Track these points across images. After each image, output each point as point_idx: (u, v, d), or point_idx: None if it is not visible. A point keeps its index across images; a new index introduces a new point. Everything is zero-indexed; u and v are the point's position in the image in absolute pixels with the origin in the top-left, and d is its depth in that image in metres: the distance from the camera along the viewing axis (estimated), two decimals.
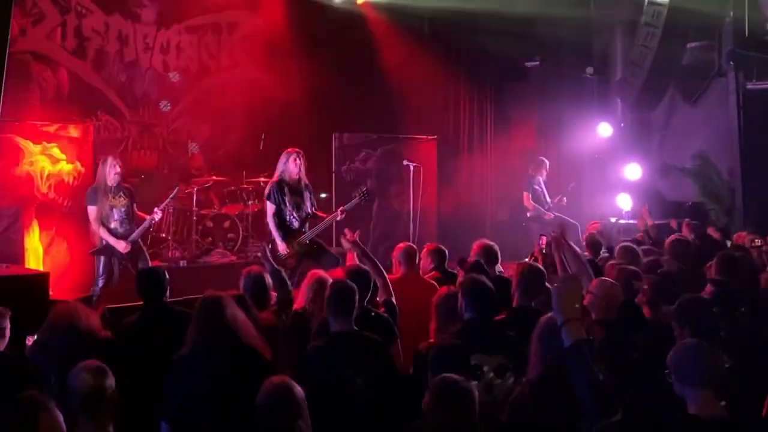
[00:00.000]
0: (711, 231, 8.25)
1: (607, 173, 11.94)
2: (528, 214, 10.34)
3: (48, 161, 8.77)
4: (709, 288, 5.30)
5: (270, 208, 7.20)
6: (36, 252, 8.60)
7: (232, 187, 10.09)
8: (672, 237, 7.14)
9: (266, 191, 7.37)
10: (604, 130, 11.94)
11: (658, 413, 3.41)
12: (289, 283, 5.24)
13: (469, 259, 5.67)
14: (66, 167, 8.76)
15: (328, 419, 3.71)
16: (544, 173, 10.52)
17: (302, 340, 4.50)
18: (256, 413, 3.34)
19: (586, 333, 3.25)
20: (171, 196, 7.66)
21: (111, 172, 7.13)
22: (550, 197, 10.42)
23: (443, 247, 6.18)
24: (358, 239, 5.61)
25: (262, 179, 9.63)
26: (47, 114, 9.04)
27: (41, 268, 8.00)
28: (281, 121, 10.24)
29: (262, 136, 10.25)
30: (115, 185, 7.20)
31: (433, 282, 5.60)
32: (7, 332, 4.49)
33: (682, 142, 11.46)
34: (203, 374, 3.79)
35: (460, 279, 4.85)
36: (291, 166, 7.22)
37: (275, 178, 7.31)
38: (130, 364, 4.05)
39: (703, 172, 11.08)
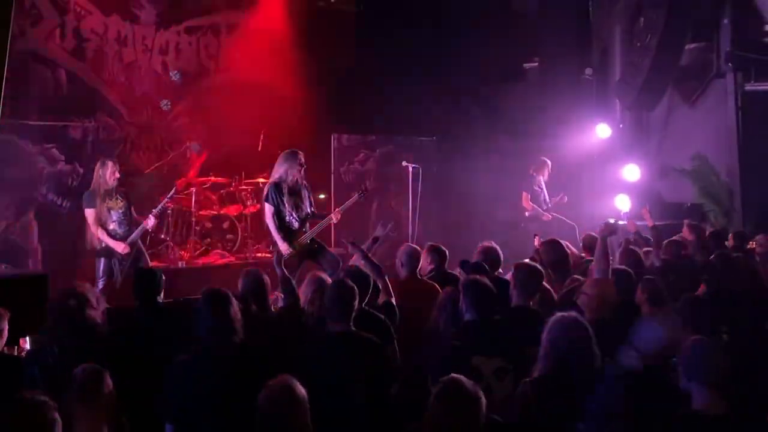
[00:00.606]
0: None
1: (605, 174, 11.92)
2: (526, 214, 10.29)
3: (47, 162, 8.79)
4: (706, 288, 5.31)
5: (268, 209, 7.16)
6: (36, 252, 8.61)
7: (231, 188, 10.09)
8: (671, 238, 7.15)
9: (264, 192, 7.36)
10: (603, 131, 11.91)
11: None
12: (297, 291, 5.19)
13: (471, 261, 5.67)
14: (65, 168, 8.78)
15: (328, 419, 3.70)
16: (546, 174, 10.48)
17: (294, 332, 4.49)
18: (257, 413, 3.34)
19: None
20: (168, 197, 7.64)
21: (110, 175, 7.11)
22: (549, 198, 10.40)
23: (443, 247, 6.16)
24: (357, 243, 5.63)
25: (261, 180, 9.63)
26: (46, 115, 9.04)
27: (41, 269, 8.01)
28: (280, 122, 10.23)
29: (261, 137, 10.26)
30: (112, 188, 7.20)
31: (434, 284, 5.59)
32: (5, 333, 4.51)
33: (681, 143, 11.44)
34: (205, 374, 3.79)
35: (462, 281, 4.84)
36: (294, 171, 7.18)
37: (274, 179, 7.29)
38: (121, 363, 4.02)
39: (702, 173, 11.07)
